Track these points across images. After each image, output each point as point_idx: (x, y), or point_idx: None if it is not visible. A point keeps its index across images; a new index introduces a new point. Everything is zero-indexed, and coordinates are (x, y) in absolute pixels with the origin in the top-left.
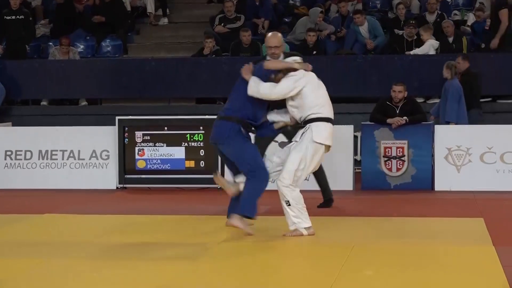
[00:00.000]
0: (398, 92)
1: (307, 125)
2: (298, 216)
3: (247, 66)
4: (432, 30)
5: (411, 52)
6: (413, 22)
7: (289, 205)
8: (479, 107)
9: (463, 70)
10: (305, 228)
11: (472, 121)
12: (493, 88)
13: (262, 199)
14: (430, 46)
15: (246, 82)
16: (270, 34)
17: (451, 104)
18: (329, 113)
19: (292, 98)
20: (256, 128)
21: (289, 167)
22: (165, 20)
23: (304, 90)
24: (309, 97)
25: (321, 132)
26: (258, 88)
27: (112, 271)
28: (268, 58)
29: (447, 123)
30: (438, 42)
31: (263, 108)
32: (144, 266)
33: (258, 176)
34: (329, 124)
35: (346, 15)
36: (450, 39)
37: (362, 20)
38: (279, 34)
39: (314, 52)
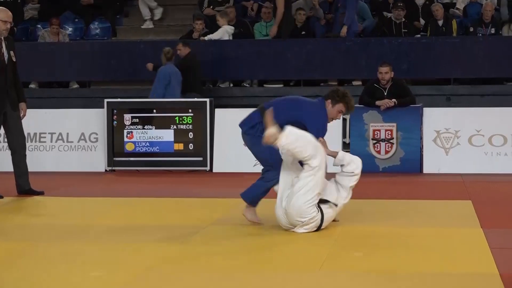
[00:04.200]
0: (385, 73)
1: None
2: None
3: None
4: (228, 16)
5: (206, 38)
6: (401, 4)
7: None
8: (198, 92)
9: (184, 56)
10: None
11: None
12: (484, 71)
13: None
14: (224, 31)
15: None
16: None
17: (157, 89)
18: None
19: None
20: None
21: None
22: None
23: None
24: None
25: None
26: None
27: (101, 253)
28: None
29: None
30: (233, 28)
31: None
32: (133, 248)
33: (266, 175)
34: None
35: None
36: (440, 22)
37: None
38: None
39: (303, 32)
